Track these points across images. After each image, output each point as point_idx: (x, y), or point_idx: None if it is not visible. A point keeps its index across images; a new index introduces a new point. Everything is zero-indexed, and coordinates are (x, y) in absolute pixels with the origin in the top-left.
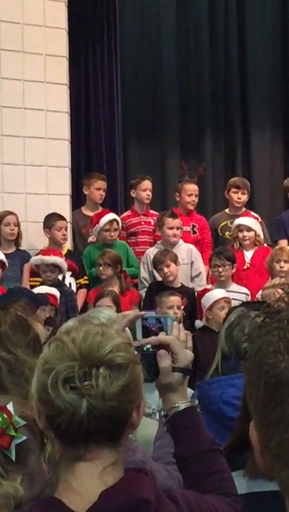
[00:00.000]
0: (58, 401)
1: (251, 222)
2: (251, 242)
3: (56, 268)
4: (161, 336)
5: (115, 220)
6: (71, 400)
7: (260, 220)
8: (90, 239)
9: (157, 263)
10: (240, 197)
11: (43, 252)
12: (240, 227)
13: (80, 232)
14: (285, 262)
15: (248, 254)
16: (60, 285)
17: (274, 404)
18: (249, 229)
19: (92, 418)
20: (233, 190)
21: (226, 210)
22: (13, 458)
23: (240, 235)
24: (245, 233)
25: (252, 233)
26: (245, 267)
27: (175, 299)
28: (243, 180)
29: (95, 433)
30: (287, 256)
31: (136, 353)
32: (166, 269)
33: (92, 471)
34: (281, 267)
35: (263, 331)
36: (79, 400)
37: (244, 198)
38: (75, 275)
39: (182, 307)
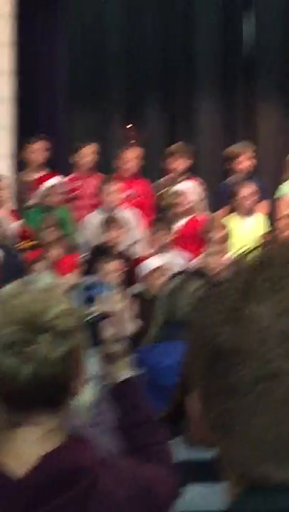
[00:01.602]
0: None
1: (189, 186)
2: (186, 209)
3: None
4: (105, 306)
5: (58, 184)
6: (13, 365)
7: (203, 187)
8: (30, 202)
9: (104, 226)
10: (180, 163)
11: None
12: (176, 194)
13: (21, 195)
14: (215, 231)
15: (181, 222)
16: (3, 246)
17: (215, 374)
18: (185, 195)
19: (34, 384)
20: (174, 156)
21: (167, 176)
22: None
23: (176, 201)
24: (181, 199)
25: (188, 200)
26: (177, 235)
27: (114, 265)
28: (182, 146)
29: (36, 399)
30: (218, 225)
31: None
32: (111, 233)
33: (32, 436)
34: (211, 236)
35: (204, 302)
36: (21, 365)
37: (184, 164)
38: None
39: (121, 273)
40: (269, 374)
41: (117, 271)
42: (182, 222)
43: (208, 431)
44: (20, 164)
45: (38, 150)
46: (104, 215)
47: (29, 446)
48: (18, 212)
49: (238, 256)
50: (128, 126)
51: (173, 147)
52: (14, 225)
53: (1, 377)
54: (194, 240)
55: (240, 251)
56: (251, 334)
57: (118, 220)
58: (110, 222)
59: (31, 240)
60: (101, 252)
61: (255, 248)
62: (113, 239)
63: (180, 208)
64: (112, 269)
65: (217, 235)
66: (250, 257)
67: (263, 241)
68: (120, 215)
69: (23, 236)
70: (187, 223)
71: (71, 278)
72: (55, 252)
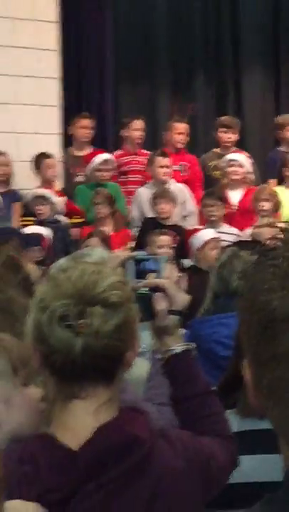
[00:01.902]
0: (52, 339)
1: (243, 158)
2: (241, 178)
3: (47, 202)
4: (158, 279)
5: (108, 160)
6: (66, 338)
7: (251, 160)
8: (79, 178)
9: (155, 200)
10: (229, 136)
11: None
12: (231, 162)
13: (67, 172)
14: (265, 200)
15: (237, 195)
16: (54, 222)
17: (266, 341)
18: (240, 165)
19: (87, 356)
20: (222, 129)
21: (216, 150)
22: None
23: (231, 170)
24: (236, 168)
25: (243, 169)
26: (235, 208)
27: (166, 238)
28: (232, 120)
29: (90, 371)
30: (269, 194)
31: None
32: (162, 206)
33: (86, 408)
34: (262, 206)
35: (257, 268)
36: (74, 338)
37: (234, 137)
38: (68, 214)
39: (173, 246)
40: None
41: (168, 244)
42: (237, 194)
43: (261, 399)
44: (68, 141)
45: (86, 127)
46: (154, 190)
47: (83, 419)
48: (68, 189)
49: (287, 223)
50: (190, 108)
51: (221, 120)
52: (62, 202)
53: (55, 349)
54: (248, 213)
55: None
56: None
57: (168, 193)
58: (160, 196)
59: (81, 217)
60: (152, 226)
61: None
62: (164, 212)
63: (235, 176)
64: (163, 242)
65: (268, 204)
66: None
67: None
68: (170, 189)
69: (73, 212)
70: (243, 197)
71: (123, 252)
72: (107, 228)
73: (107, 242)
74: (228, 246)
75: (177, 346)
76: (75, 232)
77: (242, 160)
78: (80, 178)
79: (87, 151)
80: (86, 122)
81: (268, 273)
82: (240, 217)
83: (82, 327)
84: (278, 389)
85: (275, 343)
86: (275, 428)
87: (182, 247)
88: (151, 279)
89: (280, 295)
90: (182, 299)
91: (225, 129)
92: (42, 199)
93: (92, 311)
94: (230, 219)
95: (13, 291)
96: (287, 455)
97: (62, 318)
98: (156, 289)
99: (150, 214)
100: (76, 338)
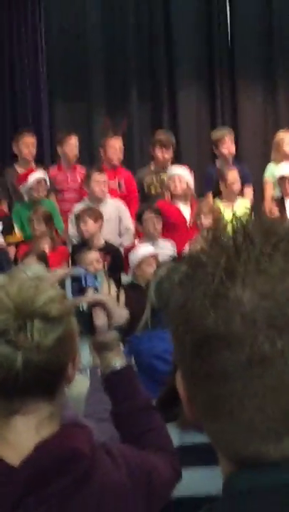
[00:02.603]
0: None
1: (184, 172)
2: (184, 193)
3: None
4: (97, 295)
5: (43, 178)
6: (6, 353)
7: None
8: (16, 196)
9: (77, 220)
10: (164, 154)
11: None
12: (172, 177)
13: (14, 189)
14: (205, 215)
15: (186, 209)
16: None
17: (201, 359)
18: (181, 179)
19: (28, 371)
20: (158, 147)
21: (151, 166)
22: None
23: (173, 184)
24: (177, 183)
25: (184, 184)
26: (189, 223)
27: (92, 255)
28: (167, 137)
29: (31, 386)
30: (209, 209)
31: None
32: (83, 227)
33: (27, 424)
34: (202, 220)
35: (187, 285)
36: (14, 353)
37: (168, 154)
38: (4, 232)
39: (104, 264)
40: (259, 358)
41: (97, 260)
42: (185, 208)
43: (197, 414)
44: (4, 158)
45: (27, 144)
46: (85, 207)
47: (25, 434)
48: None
49: (218, 234)
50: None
51: (157, 137)
52: None
53: None
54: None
55: (221, 230)
56: (237, 319)
57: (96, 210)
58: (82, 216)
59: (17, 235)
60: (84, 244)
61: (236, 226)
62: (89, 230)
63: (176, 191)
64: (91, 259)
65: (208, 219)
66: (230, 235)
67: (242, 220)
68: (106, 205)
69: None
70: (192, 211)
71: (60, 270)
72: (44, 245)
73: (44, 259)
74: (165, 261)
75: (117, 361)
76: (11, 250)
77: (183, 174)
78: (18, 196)
79: (27, 168)
80: (29, 139)
81: (200, 288)
82: (184, 231)
83: (22, 341)
84: (215, 406)
85: (210, 361)
86: (212, 443)
87: (115, 264)
88: (90, 295)
89: (214, 313)
90: (121, 313)
91: (160, 147)
92: None
93: (31, 325)
94: (181, 234)
95: None
96: (225, 468)
97: (2, 334)
98: (95, 304)
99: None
100: (16, 352)
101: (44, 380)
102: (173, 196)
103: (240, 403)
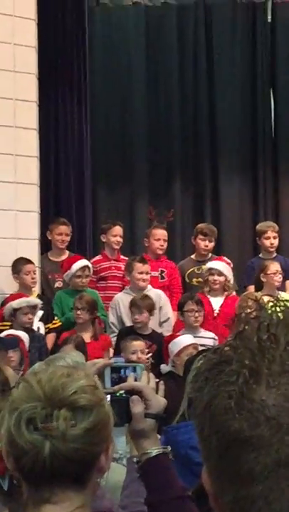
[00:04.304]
0: (21, 441)
1: (222, 266)
2: (221, 286)
3: (35, 310)
4: (134, 382)
5: (87, 266)
6: (34, 441)
7: (231, 265)
8: (57, 284)
9: (132, 307)
10: (206, 244)
11: (13, 297)
12: (211, 271)
13: (45, 278)
14: (250, 308)
15: (217, 301)
16: (29, 330)
17: (228, 461)
18: (220, 273)
19: (56, 460)
20: (200, 237)
21: (192, 256)
22: (5, 487)
23: (211, 278)
24: (216, 277)
25: (222, 278)
26: (215, 314)
27: (138, 344)
28: (210, 227)
29: (60, 475)
30: (252, 302)
31: (107, 397)
32: (137, 316)
33: None
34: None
35: (212, 384)
36: (42, 441)
37: (211, 245)
38: (44, 319)
39: (150, 353)
40: (286, 460)
41: (142, 349)
42: (217, 300)
43: (225, 511)
44: (46, 247)
45: (62, 233)
46: (132, 295)
47: None
48: (47, 295)
49: (243, 330)
50: (170, 214)
51: (199, 227)
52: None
53: (24, 452)
54: (228, 320)
55: (245, 326)
56: (263, 422)
57: (144, 302)
58: (136, 306)
59: (58, 322)
60: (129, 333)
61: (260, 324)
62: (139, 322)
63: (215, 285)
64: (136, 347)
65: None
66: (255, 332)
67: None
68: (148, 297)
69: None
70: (223, 303)
71: (100, 360)
72: (85, 334)
73: (82, 348)
74: (203, 351)
75: (153, 449)
76: (50, 337)
77: (221, 268)
78: (58, 284)
79: (63, 256)
80: (63, 228)
81: (224, 392)
82: (219, 324)
83: (49, 430)
84: (242, 507)
85: (236, 463)
86: None
87: (159, 354)
88: (128, 383)
89: (237, 417)
90: (159, 402)
91: (202, 237)
92: (33, 308)
93: (58, 414)
94: (210, 325)
95: None
96: None
97: (30, 421)
98: (132, 392)
99: (128, 320)
100: (44, 441)
101: (73, 469)
102: (211, 289)
103: (267, 505)
